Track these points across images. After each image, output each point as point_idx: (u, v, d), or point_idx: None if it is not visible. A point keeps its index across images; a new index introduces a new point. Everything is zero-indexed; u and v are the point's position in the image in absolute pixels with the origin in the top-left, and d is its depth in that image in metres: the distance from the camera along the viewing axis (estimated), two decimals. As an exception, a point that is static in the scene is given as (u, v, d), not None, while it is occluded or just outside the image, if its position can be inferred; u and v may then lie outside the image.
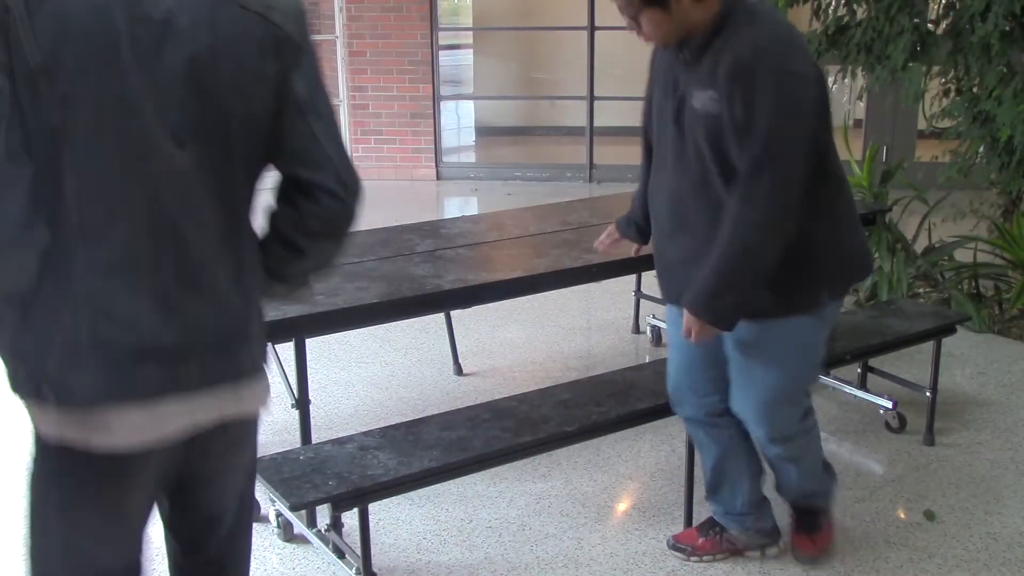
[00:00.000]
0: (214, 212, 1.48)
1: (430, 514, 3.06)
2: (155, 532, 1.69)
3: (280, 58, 1.48)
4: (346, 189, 1.55)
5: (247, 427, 1.67)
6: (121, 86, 1.36)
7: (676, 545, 2.82)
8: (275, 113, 1.50)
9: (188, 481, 1.65)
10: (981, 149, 4.77)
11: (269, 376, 1.65)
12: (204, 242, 1.47)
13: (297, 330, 2.69)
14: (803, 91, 2.22)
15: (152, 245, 1.43)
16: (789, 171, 2.20)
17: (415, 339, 4.53)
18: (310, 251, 1.59)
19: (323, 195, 1.53)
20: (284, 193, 1.56)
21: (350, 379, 4.13)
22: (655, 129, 2.47)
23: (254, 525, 3.05)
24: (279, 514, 2.92)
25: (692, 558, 2.78)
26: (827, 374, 3.83)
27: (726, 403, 2.57)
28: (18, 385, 1.46)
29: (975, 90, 4.71)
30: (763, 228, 2.23)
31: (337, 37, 8.22)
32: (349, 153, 1.59)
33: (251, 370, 1.58)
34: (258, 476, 2.44)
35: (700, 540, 2.80)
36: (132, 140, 1.38)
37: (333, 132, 1.55)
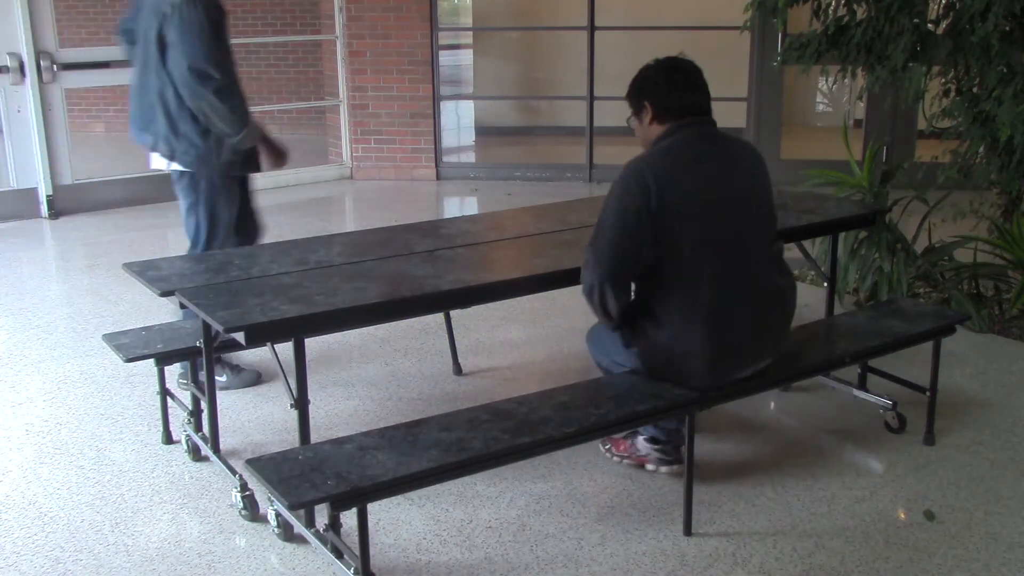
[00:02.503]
0: (152, 80, 3.68)
1: (430, 514, 3.06)
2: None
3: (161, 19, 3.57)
4: (201, 87, 3.54)
5: (180, 175, 3.78)
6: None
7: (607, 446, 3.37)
8: (162, 47, 3.59)
9: None
10: (981, 149, 4.77)
11: (180, 154, 3.69)
12: (152, 94, 3.69)
13: (296, 330, 2.69)
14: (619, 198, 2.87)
15: (139, 89, 3.76)
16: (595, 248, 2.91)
17: (415, 339, 4.53)
18: (208, 121, 3.65)
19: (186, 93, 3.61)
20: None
21: (350, 379, 4.13)
22: None
23: (253, 525, 3.06)
24: (278, 514, 2.92)
25: (613, 458, 3.34)
26: (827, 374, 3.84)
27: None
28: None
29: (975, 90, 4.70)
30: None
31: (337, 37, 8.22)
32: (206, 67, 3.52)
33: (165, 153, 3.71)
34: (257, 475, 2.45)
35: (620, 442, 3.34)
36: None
37: (184, 58, 3.52)
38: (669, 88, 2.93)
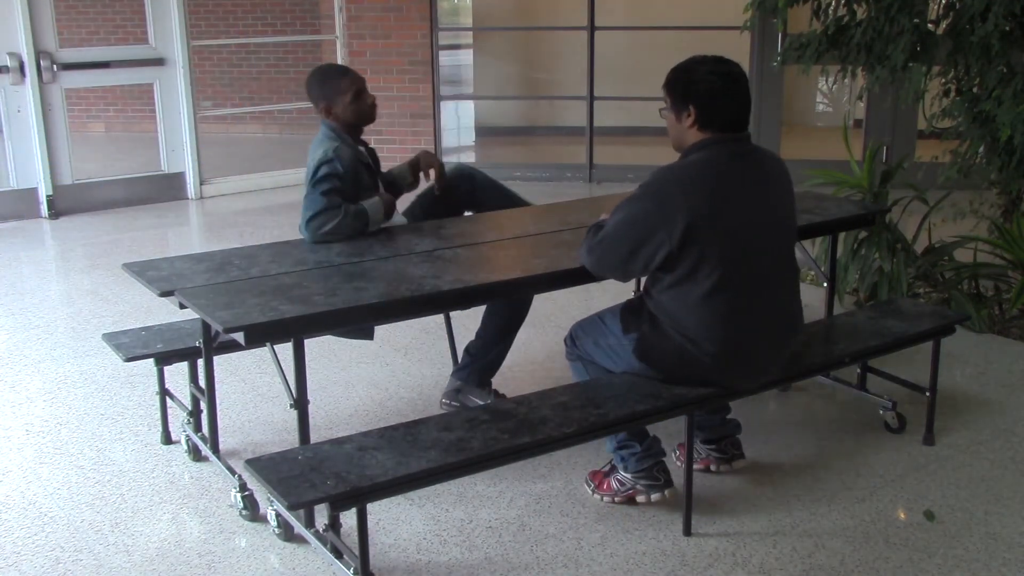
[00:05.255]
0: None
1: (430, 514, 3.06)
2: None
3: None
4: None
5: None
6: None
7: (587, 480, 3.21)
8: None
9: None
10: (981, 149, 4.77)
11: None
12: None
13: (295, 330, 2.69)
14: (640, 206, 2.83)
15: None
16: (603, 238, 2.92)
17: (415, 339, 4.53)
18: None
19: None
20: None
21: (350, 379, 4.13)
22: None
23: (253, 525, 3.06)
24: (278, 514, 2.92)
25: (603, 499, 3.13)
26: (827, 374, 3.84)
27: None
28: None
29: (975, 90, 4.71)
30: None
31: (337, 37, 8.22)
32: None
33: None
34: (256, 476, 2.45)
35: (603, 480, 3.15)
36: None
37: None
38: (720, 99, 2.81)
